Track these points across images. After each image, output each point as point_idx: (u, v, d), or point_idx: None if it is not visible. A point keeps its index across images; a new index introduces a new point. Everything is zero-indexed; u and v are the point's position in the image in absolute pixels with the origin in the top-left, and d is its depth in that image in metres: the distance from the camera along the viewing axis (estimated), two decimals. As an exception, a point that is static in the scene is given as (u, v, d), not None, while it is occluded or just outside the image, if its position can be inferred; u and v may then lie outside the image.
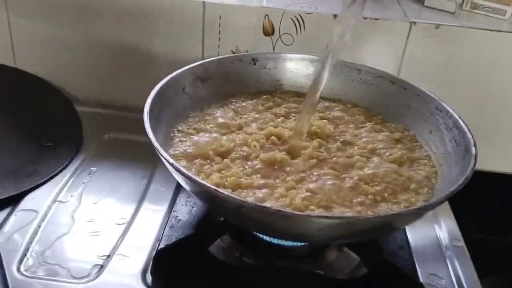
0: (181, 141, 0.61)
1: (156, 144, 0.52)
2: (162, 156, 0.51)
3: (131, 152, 0.76)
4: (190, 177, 0.48)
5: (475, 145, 0.56)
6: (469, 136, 0.58)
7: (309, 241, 0.56)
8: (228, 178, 0.55)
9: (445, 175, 0.59)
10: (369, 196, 0.54)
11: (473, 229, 0.88)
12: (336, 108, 0.71)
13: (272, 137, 0.62)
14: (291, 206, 0.52)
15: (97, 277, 0.55)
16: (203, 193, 0.50)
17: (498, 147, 0.84)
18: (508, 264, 0.89)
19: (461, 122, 0.60)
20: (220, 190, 0.47)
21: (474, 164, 0.53)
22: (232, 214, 0.51)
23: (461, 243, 0.67)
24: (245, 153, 0.59)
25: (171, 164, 0.50)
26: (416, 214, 0.50)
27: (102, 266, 0.57)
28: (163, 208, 0.65)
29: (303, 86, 0.74)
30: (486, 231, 0.92)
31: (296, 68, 0.74)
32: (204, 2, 0.76)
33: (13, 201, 0.64)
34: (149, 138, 0.53)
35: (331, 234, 0.47)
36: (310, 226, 0.46)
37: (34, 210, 0.63)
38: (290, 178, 0.56)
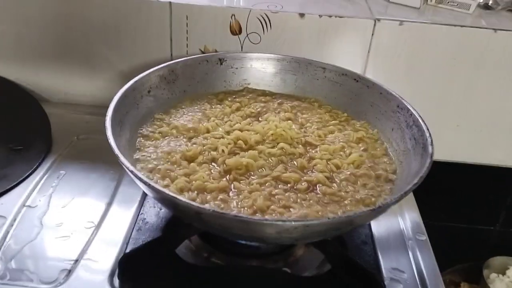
0: (147, 145, 0.62)
1: (116, 151, 0.52)
2: (123, 163, 0.51)
3: (101, 153, 0.75)
4: (150, 184, 0.49)
5: (431, 144, 0.57)
6: (427, 134, 0.59)
7: (270, 243, 0.58)
8: (194, 182, 0.56)
9: (405, 172, 0.60)
10: (327, 196, 0.56)
11: (439, 218, 0.90)
12: (301, 107, 0.72)
13: (239, 141, 0.63)
14: (254, 207, 0.53)
15: (65, 281, 0.56)
16: (164, 200, 0.51)
17: (463, 139, 0.86)
18: (471, 250, 0.92)
19: (420, 120, 0.62)
20: (179, 197, 0.48)
21: (430, 163, 0.55)
22: (193, 220, 0.52)
23: (424, 236, 0.68)
24: (212, 157, 0.60)
25: (131, 171, 0.50)
26: (369, 216, 0.51)
27: (70, 270, 0.57)
28: (131, 210, 0.66)
29: (270, 85, 0.75)
30: (452, 220, 0.95)
31: (262, 67, 0.75)
32: (170, 2, 0.76)
33: (-19, 207, 0.64)
34: (110, 145, 0.53)
35: (290, 236, 0.48)
36: (268, 230, 0.48)
37: (3, 216, 0.63)
38: (254, 181, 0.57)
